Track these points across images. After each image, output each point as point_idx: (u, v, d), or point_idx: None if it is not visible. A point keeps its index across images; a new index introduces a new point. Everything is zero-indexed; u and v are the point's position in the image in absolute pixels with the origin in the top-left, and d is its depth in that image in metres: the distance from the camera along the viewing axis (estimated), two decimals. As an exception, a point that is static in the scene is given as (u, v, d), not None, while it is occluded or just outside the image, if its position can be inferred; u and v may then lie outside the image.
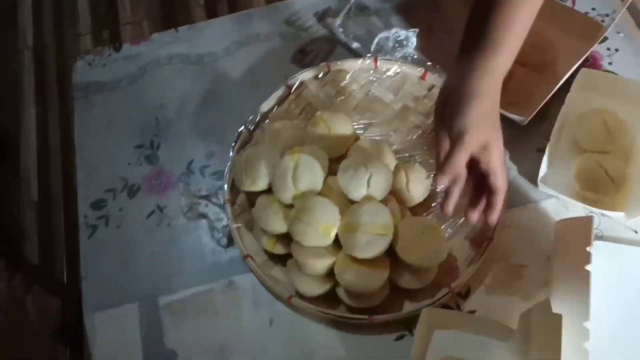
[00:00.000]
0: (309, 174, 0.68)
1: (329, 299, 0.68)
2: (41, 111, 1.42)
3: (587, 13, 0.83)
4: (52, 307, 0.72)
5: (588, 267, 0.54)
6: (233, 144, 0.78)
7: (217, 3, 1.53)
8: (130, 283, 0.73)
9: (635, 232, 0.68)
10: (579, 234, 0.57)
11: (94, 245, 0.76)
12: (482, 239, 0.69)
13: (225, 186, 0.75)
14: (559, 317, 0.52)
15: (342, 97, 0.81)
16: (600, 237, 0.68)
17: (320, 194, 0.69)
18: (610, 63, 0.79)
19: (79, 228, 0.78)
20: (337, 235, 0.66)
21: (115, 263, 0.75)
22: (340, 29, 0.86)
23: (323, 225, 0.65)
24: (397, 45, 0.82)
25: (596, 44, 0.78)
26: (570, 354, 0.52)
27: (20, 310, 0.59)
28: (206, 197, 0.78)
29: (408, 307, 0.67)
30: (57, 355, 0.91)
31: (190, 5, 1.53)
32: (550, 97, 0.76)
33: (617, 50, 0.80)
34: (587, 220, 0.58)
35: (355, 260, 0.65)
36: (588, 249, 0.55)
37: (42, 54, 1.51)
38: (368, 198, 0.67)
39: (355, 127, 0.77)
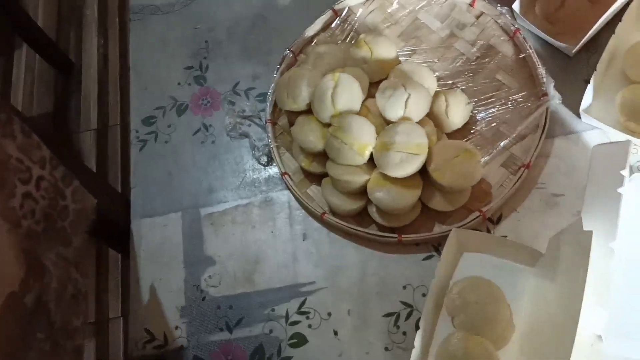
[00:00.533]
0: (348, 93, 0.69)
1: (361, 217, 0.70)
2: (103, 41, 1.47)
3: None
4: (90, 205, 0.76)
5: (620, 190, 0.53)
6: (278, 66, 0.79)
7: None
8: (175, 194, 0.77)
9: (681, 166, 0.65)
10: (614, 158, 0.56)
11: (144, 158, 0.80)
12: (518, 165, 0.68)
13: (268, 106, 0.77)
14: (589, 235, 0.51)
15: (389, 24, 0.80)
16: (643, 170, 0.66)
17: (358, 114, 0.69)
18: (673, -7, 0.74)
19: (130, 143, 0.82)
20: (372, 155, 0.67)
21: (162, 175, 0.78)
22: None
23: (358, 143, 0.66)
24: (447, -30, 0.80)
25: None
26: (594, 275, 0.52)
27: (61, 199, 0.63)
28: (249, 117, 0.80)
29: (438, 229, 0.68)
30: (90, 249, 0.98)
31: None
32: (603, 29, 0.72)
33: (681, -20, 0.75)
34: (624, 145, 0.56)
35: (388, 178, 0.66)
36: (622, 172, 0.54)
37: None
38: (405, 119, 0.67)
39: (400, 54, 0.77)
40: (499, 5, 0.76)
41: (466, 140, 0.71)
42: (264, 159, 0.77)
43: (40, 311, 0.56)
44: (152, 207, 0.77)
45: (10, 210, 0.54)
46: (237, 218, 0.74)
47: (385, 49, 0.74)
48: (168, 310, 0.70)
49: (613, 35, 0.70)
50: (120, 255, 1.20)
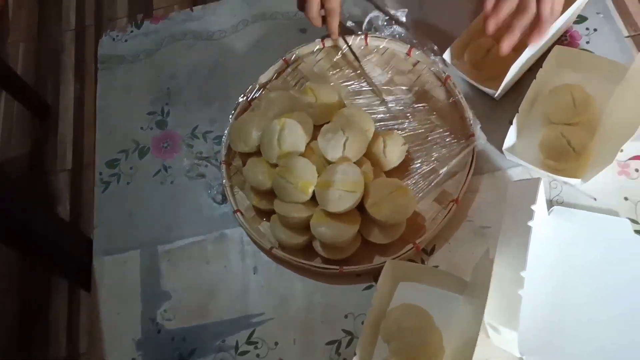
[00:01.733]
0: (293, 136, 0.73)
1: (306, 251, 0.74)
2: (79, 85, 1.52)
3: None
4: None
5: (530, 223, 0.58)
6: (233, 111, 0.84)
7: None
8: (135, 232, 0.80)
9: (594, 199, 0.71)
10: (527, 194, 0.61)
11: (107, 199, 0.84)
12: (448, 200, 0.73)
13: (223, 148, 0.82)
14: (490, 262, 0.56)
15: (335, 71, 0.86)
16: (561, 203, 0.71)
17: (303, 155, 0.74)
18: (587, 42, 0.81)
19: (94, 185, 0.86)
20: (314, 193, 0.71)
21: (123, 215, 0.82)
22: (337, 9, 0.90)
23: (302, 182, 0.71)
24: (386, 23, 0.86)
25: (573, 22, 0.80)
26: (505, 299, 0.56)
27: None
28: (206, 159, 0.84)
29: (377, 260, 0.72)
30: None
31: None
32: (526, 74, 0.79)
33: (595, 30, 0.81)
34: (535, 182, 0.61)
35: (329, 214, 0.70)
36: (532, 206, 0.59)
37: (82, 34, 1.61)
38: (343, 159, 0.72)
39: (348, 93, 0.82)
40: (432, 54, 0.81)
41: (403, 178, 0.76)
42: (219, 198, 0.81)
43: None
44: (113, 245, 0.80)
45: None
46: (192, 254, 0.78)
47: (328, 95, 0.79)
48: (126, 343, 0.73)
49: (534, 80, 0.75)
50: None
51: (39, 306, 1.22)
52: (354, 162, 0.72)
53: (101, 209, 0.83)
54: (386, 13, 0.86)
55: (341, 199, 0.69)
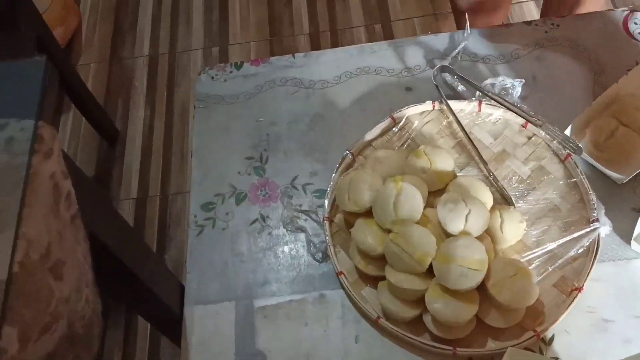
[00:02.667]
0: (410, 202, 0.70)
1: (415, 325, 0.70)
2: (149, 113, 1.52)
3: (695, 82, 0.82)
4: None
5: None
6: (337, 165, 0.81)
7: (320, 35, 1.60)
8: (230, 283, 0.77)
9: None
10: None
11: (201, 244, 0.81)
12: (570, 288, 0.69)
13: (326, 204, 0.79)
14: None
15: (444, 135, 0.83)
16: (692, 304, 0.67)
17: (418, 222, 0.71)
18: None
19: (188, 226, 0.83)
20: (430, 265, 0.68)
21: (218, 262, 0.79)
22: (446, 73, 0.89)
23: (419, 252, 0.67)
24: (502, 92, 0.84)
25: (703, 113, 0.77)
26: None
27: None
28: (306, 212, 0.81)
29: (491, 345, 0.68)
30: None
31: (295, 33, 1.60)
32: (651, 160, 0.75)
33: None
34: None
35: (447, 290, 0.66)
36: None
37: (155, 61, 1.61)
38: (464, 233, 0.69)
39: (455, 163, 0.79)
40: (550, 131, 0.79)
41: (520, 258, 0.72)
42: (319, 256, 0.78)
43: None
44: (206, 294, 0.77)
45: (77, 313, 0.53)
46: (290, 313, 0.74)
47: (443, 161, 0.76)
48: (217, 402, 0.69)
49: (662, 170, 0.72)
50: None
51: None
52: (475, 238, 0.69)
53: (194, 254, 0.80)
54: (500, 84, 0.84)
55: (463, 276, 0.65)
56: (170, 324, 0.81)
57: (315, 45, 1.57)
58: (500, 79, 0.84)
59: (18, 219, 0.43)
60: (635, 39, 0.89)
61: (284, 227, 0.81)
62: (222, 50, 1.57)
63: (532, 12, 1.56)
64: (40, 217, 0.45)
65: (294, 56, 0.98)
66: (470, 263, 0.65)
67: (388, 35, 1.57)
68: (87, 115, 1.45)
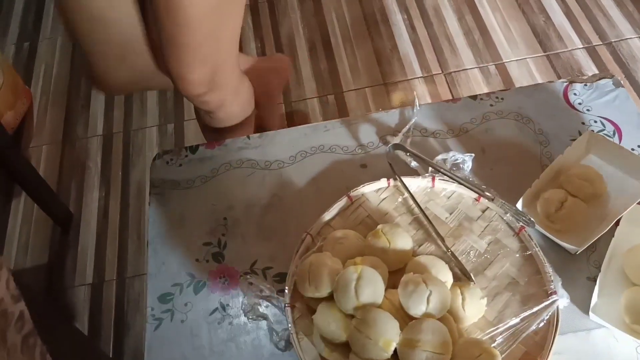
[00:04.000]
0: (371, 286, 0.70)
1: (384, 412, 0.68)
2: (104, 194, 1.49)
3: (632, 150, 0.86)
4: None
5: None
6: (297, 249, 0.81)
7: (293, 117, 1.64)
8: (190, 378, 0.75)
9: (689, 369, 0.68)
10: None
11: (159, 338, 0.78)
12: (535, 364, 0.69)
13: (287, 289, 0.78)
14: None
15: (401, 212, 0.85)
16: (653, 372, 0.68)
17: (380, 306, 0.71)
18: (659, 201, 0.82)
19: (145, 321, 0.80)
20: (395, 350, 0.67)
21: (178, 358, 0.76)
22: (399, 150, 0.91)
23: (383, 339, 0.67)
24: (453, 167, 0.86)
25: (644, 180, 0.81)
26: None
27: None
28: (267, 298, 0.80)
29: None
30: None
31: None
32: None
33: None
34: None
35: (413, 376, 0.66)
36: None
37: (109, 141, 1.60)
38: (427, 315, 0.69)
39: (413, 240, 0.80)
40: (502, 205, 0.81)
41: (481, 336, 0.72)
42: (282, 344, 0.76)
43: None
44: (165, 392, 0.74)
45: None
46: (255, 409, 0.72)
47: (402, 241, 0.77)
48: None
49: (613, 239, 0.75)
50: None
51: None
52: (437, 319, 0.69)
53: (152, 350, 0.78)
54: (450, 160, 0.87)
55: (428, 360, 0.65)
56: None
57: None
58: (451, 154, 0.87)
59: None
60: (575, 109, 0.94)
61: (245, 316, 0.79)
62: (178, 127, 1.58)
63: (479, 86, 1.64)
64: None
65: (249, 137, 0.99)
66: (434, 347, 0.65)
67: (341, 104, 1.61)
68: (39, 200, 1.41)
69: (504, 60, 1.65)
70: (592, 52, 1.62)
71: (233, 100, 1.10)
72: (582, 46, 1.63)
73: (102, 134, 1.62)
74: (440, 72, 1.64)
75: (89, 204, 1.48)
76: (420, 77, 1.64)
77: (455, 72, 1.64)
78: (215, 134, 1.16)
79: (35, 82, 1.75)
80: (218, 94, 1.04)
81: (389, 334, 0.67)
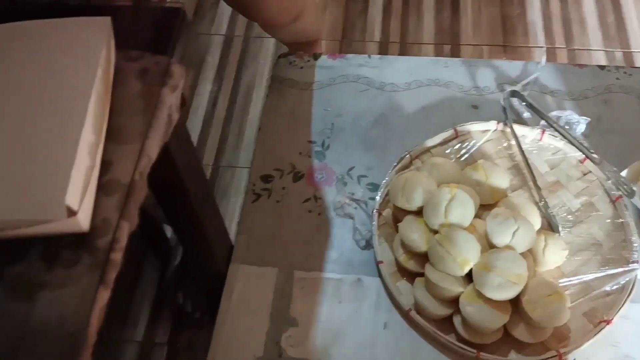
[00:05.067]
0: (461, 209, 0.73)
1: (444, 323, 0.72)
2: (216, 87, 1.58)
3: None
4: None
5: None
6: (395, 164, 0.85)
7: (389, 45, 1.64)
8: (276, 251, 0.81)
9: None
10: None
11: (255, 210, 0.85)
12: (599, 319, 0.71)
13: (378, 197, 0.82)
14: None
15: (502, 156, 0.86)
16: None
17: (465, 229, 0.74)
18: None
19: (245, 193, 0.88)
20: (470, 271, 0.71)
21: (268, 230, 0.83)
22: (515, 98, 0.91)
23: (462, 257, 0.70)
24: (566, 125, 0.86)
25: None
26: None
27: None
28: (357, 201, 0.85)
29: (513, 356, 0.70)
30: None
31: (366, 39, 1.65)
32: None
33: None
34: None
35: (481, 297, 0.69)
36: None
37: (229, 43, 1.68)
38: (509, 247, 0.71)
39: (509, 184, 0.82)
40: (607, 171, 0.81)
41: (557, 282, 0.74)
42: (363, 243, 0.81)
43: None
44: (252, 256, 0.81)
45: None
46: (327, 290, 0.78)
47: (499, 178, 0.79)
48: (246, 356, 0.73)
49: None
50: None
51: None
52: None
53: (247, 218, 0.85)
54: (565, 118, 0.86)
55: (501, 286, 0.68)
56: (212, 280, 0.85)
57: (383, 53, 1.62)
58: (567, 112, 0.87)
59: (144, 137, 0.48)
60: None
61: (334, 211, 0.84)
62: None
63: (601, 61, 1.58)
64: (156, 144, 0.50)
65: (370, 57, 1.02)
66: (510, 275, 0.68)
67: (455, 56, 1.60)
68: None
69: (633, 50, 1.57)
70: None
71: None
72: None
73: (224, 34, 1.69)
74: (564, 46, 1.59)
75: (201, 93, 1.57)
76: (542, 47, 1.59)
77: (579, 49, 1.58)
78: None
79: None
80: None
81: (469, 254, 0.70)
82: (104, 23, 0.55)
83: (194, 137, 1.48)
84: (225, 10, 1.73)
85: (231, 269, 0.80)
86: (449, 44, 1.63)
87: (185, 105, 1.46)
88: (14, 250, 0.46)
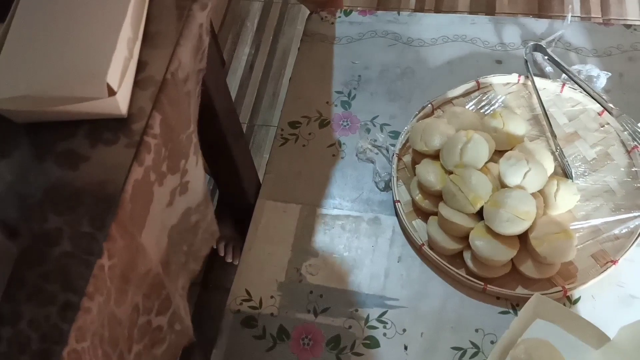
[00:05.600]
0: (476, 151, 0.76)
1: (455, 258, 0.76)
2: (254, 51, 1.63)
3: None
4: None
5: None
6: (416, 112, 0.88)
7: (426, 2, 1.66)
8: (300, 189, 0.86)
9: None
10: None
11: (282, 153, 0.90)
12: (606, 260, 0.73)
13: (399, 142, 0.86)
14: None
15: (522, 107, 0.88)
16: None
17: (479, 171, 0.76)
18: None
19: (274, 136, 0.92)
20: (481, 208, 0.74)
21: (294, 171, 0.88)
22: (538, 53, 0.93)
23: (474, 195, 0.73)
24: (587, 79, 0.87)
25: None
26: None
27: None
28: (379, 147, 0.88)
29: (520, 290, 0.73)
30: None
31: (401, 6, 1.66)
32: None
33: None
34: None
35: (490, 232, 0.72)
36: None
37: (268, 7, 1.72)
38: (520, 187, 0.74)
39: (527, 133, 0.84)
40: (624, 122, 0.82)
41: (565, 225, 0.76)
42: (382, 185, 0.85)
43: (193, 231, 0.65)
44: (278, 193, 0.86)
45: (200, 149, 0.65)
46: (346, 225, 0.82)
47: (516, 125, 0.81)
48: (269, 280, 0.78)
49: None
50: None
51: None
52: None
53: (275, 160, 0.89)
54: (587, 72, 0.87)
55: (509, 222, 0.70)
56: (241, 213, 0.90)
57: (419, 8, 1.64)
58: (588, 66, 0.88)
59: (176, 43, 0.53)
60: None
61: (356, 155, 0.88)
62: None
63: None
64: (187, 52, 0.56)
65: (399, 13, 1.04)
66: (518, 212, 0.71)
67: (489, 24, 1.60)
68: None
69: (672, 20, 1.54)
70: None
71: None
72: None
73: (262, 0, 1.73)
74: (600, 16, 1.57)
75: (239, 56, 1.62)
76: (578, 16, 1.58)
77: (615, 19, 1.55)
78: None
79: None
80: None
81: (481, 192, 0.73)
82: None
83: (232, 96, 1.54)
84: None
85: (258, 203, 0.85)
86: (484, 12, 1.63)
87: (224, 65, 1.52)
88: (65, 130, 0.54)
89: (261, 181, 0.88)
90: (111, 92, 0.51)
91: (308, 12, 1.07)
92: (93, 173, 0.50)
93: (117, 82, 0.52)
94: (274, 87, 1.55)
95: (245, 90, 1.55)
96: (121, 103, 0.52)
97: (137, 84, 0.54)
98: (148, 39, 0.56)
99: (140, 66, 0.55)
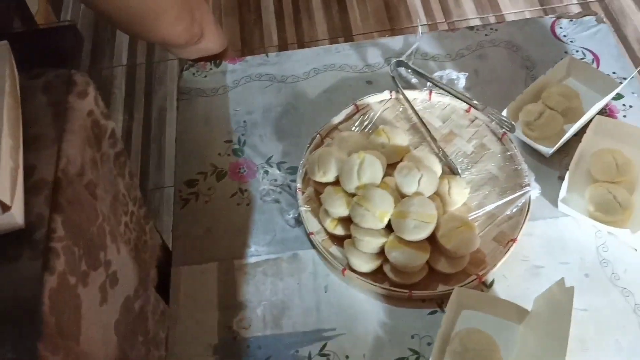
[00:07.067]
0: (371, 169, 0.80)
1: (376, 274, 0.79)
2: (128, 117, 1.59)
3: (608, 75, 0.95)
4: (157, 243, 0.85)
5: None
6: (307, 145, 0.91)
7: (289, 47, 1.71)
8: (212, 247, 0.85)
9: (635, 249, 0.78)
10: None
11: (186, 214, 0.89)
12: (507, 240, 0.80)
13: (298, 177, 0.88)
14: (571, 290, 0.62)
15: (399, 120, 0.94)
16: (605, 252, 0.79)
17: (378, 187, 0.81)
18: (624, 116, 0.91)
19: (174, 200, 0.91)
20: (389, 221, 0.78)
21: (202, 230, 0.87)
22: (402, 68, 1.00)
23: (379, 210, 0.77)
24: (449, 82, 0.95)
25: (612, 99, 0.91)
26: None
27: (143, 234, 0.72)
28: (280, 186, 0.90)
29: (441, 288, 0.77)
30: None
31: (265, 46, 1.71)
32: (573, 138, 0.88)
33: (631, 106, 0.92)
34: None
35: (402, 241, 0.76)
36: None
37: (133, 71, 1.69)
38: (418, 194, 0.79)
39: (409, 144, 0.90)
40: (490, 114, 0.90)
41: (464, 217, 0.82)
42: (292, 222, 0.86)
43: (142, 318, 0.62)
44: (191, 256, 0.84)
45: (120, 234, 0.62)
46: (267, 270, 0.82)
47: (400, 138, 0.87)
48: (203, 348, 0.76)
49: (580, 143, 0.84)
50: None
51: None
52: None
53: (180, 223, 0.88)
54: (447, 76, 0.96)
55: (416, 228, 0.75)
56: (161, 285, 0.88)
57: (282, 42, 1.69)
58: (447, 71, 0.96)
59: (59, 140, 0.51)
60: (560, 40, 1.02)
61: (261, 199, 0.89)
62: (197, 60, 1.67)
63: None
64: (76, 145, 0.53)
65: (267, 55, 1.08)
66: (422, 217, 0.75)
67: (350, 48, 1.70)
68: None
69: (503, 12, 1.73)
70: (585, 8, 1.69)
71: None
72: (576, 2, 1.70)
73: (126, 64, 1.70)
74: (444, 20, 1.72)
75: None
76: (425, 24, 1.72)
77: (457, 20, 1.71)
78: None
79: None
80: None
81: (385, 207, 0.77)
82: (2, 46, 0.58)
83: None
84: (124, 40, 1.75)
85: (174, 272, 0.83)
86: (342, 36, 1.72)
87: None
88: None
89: (170, 248, 0.86)
90: (5, 208, 0.48)
91: (175, 68, 1.07)
92: (5, 295, 0.46)
93: (9, 196, 0.49)
94: (157, 148, 1.52)
95: (129, 158, 1.51)
96: (17, 215, 0.49)
97: (28, 190, 0.51)
98: (30, 143, 0.53)
99: (28, 171, 0.52)
